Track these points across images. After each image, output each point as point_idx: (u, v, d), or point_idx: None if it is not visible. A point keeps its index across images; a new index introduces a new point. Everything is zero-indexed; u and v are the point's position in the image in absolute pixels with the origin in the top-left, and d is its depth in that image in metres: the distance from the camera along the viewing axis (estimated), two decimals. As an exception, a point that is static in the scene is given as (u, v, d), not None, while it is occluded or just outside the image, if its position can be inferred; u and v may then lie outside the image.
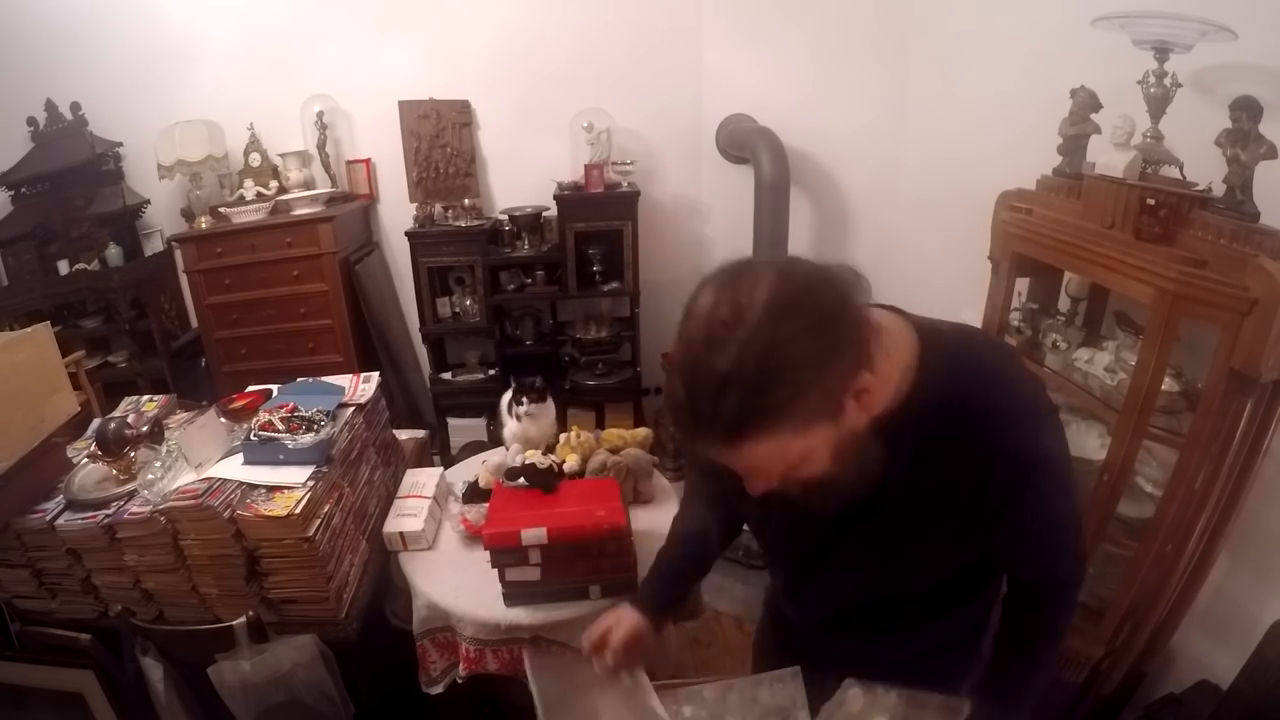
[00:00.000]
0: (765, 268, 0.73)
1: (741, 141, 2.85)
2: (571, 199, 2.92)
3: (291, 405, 1.62)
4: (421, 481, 1.80)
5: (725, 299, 0.71)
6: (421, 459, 2.11)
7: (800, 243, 2.90)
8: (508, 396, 1.86)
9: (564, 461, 1.67)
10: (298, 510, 1.39)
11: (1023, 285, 1.77)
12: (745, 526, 1.20)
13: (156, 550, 1.44)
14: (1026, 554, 0.92)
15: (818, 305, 0.70)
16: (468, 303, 3.15)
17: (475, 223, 3.02)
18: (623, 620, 1.11)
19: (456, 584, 1.55)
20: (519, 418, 1.80)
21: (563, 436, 1.83)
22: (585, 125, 2.94)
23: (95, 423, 1.66)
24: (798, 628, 1.16)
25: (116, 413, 1.76)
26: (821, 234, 3.02)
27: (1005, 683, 1.01)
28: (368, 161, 3.18)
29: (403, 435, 2.11)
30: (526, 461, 1.62)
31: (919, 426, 0.81)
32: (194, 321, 3.13)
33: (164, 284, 3.14)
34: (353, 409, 1.72)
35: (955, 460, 0.82)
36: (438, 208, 3.08)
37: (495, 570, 1.48)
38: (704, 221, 3.20)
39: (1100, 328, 1.68)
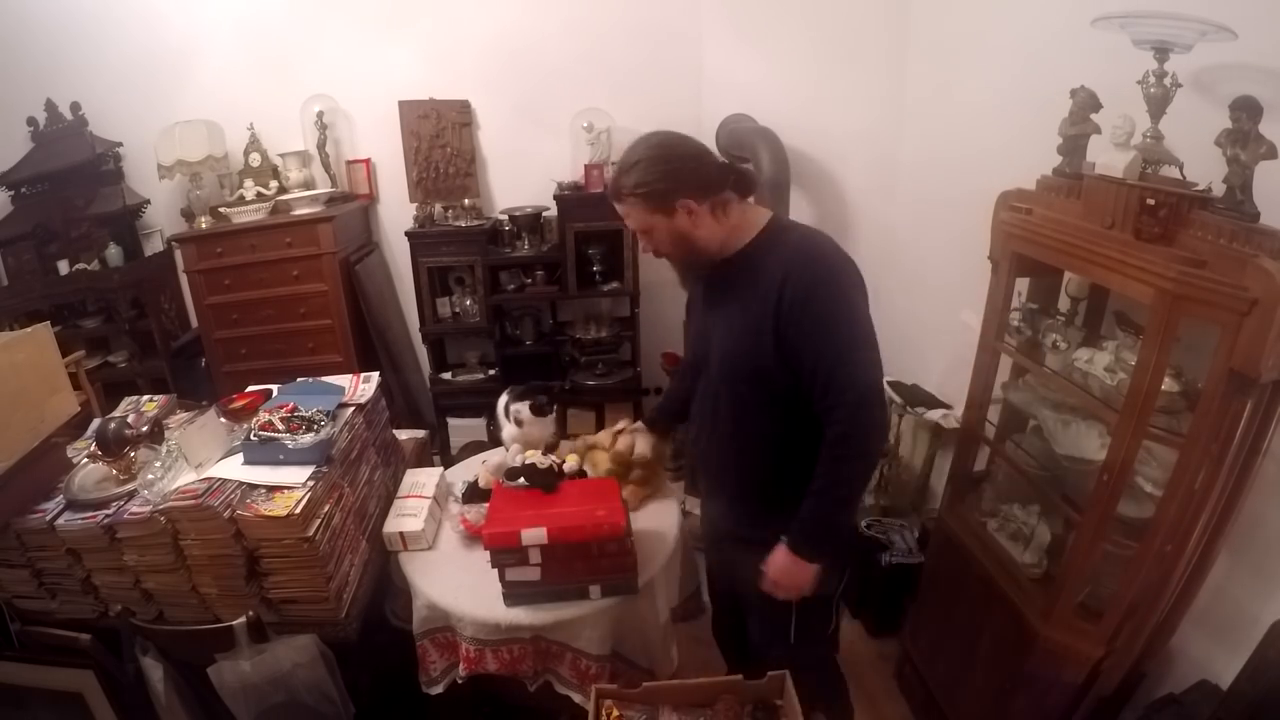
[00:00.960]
0: (666, 132, 1.34)
1: (741, 141, 2.85)
2: (571, 199, 2.92)
3: (291, 405, 1.63)
4: (421, 481, 1.81)
5: (636, 141, 1.34)
6: (421, 459, 2.11)
7: (800, 243, 2.90)
8: (504, 400, 1.85)
9: (564, 461, 1.67)
10: (298, 510, 1.39)
11: (1023, 285, 1.77)
12: None
13: (156, 550, 1.44)
14: (818, 384, 1.27)
15: (675, 152, 1.30)
16: (468, 303, 3.15)
17: (475, 223, 3.02)
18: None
19: (456, 584, 1.55)
20: (519, 423, 1.80)
21: (565, 444, 1.83)
22: (585, 125, 2.94)
23: (95, 423, 1.66)
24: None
25: (116, 413, 1.76)
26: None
27: (794, 518, 1.35)
28: (368, 161, 3.18)
29: (403, 435, 2.11)
30: (526, 461, 1.62)
31: (749, 260, 1.34)
32: (194, 321, 3.13)
33: (164, 284, 3.14)
34: (353, 409, 1.72)
35: (766, 280, 1.29)
36: (438, 208, 3.08)
37: (495, 570, 1.48)
38: (704, 221, 3.19)
39: (1100, 328, 1.68)
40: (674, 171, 1.28)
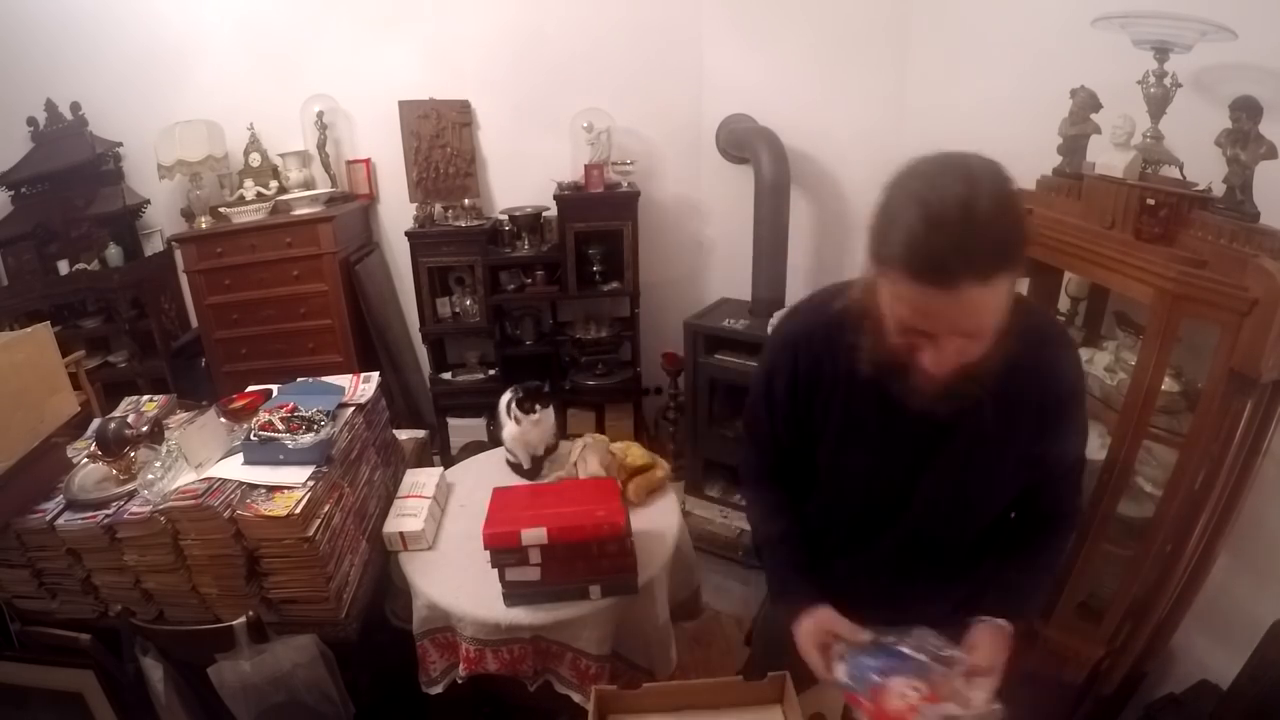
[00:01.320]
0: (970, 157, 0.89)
1: (741, 141, 2.85)
2: (571, 199, 2.92)
3: (291, 405, 1.62)
4: (421, 481, 1.81)
5: (955, 165, 0.86)
6: (421, 459, 2.11)
7: (801, 243, 2.90)
8: (506, 398, 1.85)
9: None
10: (298, 510, 1.39)
11: (1023, 285, 1.77)
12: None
13: (156, 550, 1.44)
14: (1057, 477, 1.06)
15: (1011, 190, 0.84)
16: (468, 303, 3.15)
17: (475, 223, 3.02)
18: (809, 627, 1.09)
19: (456, 584, 1.55)
20: (518, 421, 1.80)
21: (578, 443, 1.82)
22: (585, 125, 2.94)
23: (95, 423, 1.66)
24: (840, 577, 1.16)
25: (116, 413, 1.76)
26: (822, 234, 3.02)
27: (1012, 593, 1.07)
28: (368, 161, 3.18)
29: (403, 435, 2.11)
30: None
31: (1001, 357, 0.88)
32: (194, 321, 3.13)
33: (164, 284, 3.14)
34: (353, 409, 1.72)
35: (1027, 384, 0.94)
36: (438, 208, 3.08)
37: (495, 570, 1.48)
38: (704, 221, 3.20)
39: (1100, 328, 1.68)
40: (1023, 218, 0.82)
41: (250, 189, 2.94)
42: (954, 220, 0.77)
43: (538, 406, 1.79)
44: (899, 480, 1.05)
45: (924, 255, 0.79)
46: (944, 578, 1.13)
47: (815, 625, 1.07)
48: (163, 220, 3.16)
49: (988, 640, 1.01)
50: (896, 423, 0.98)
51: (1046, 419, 0.97)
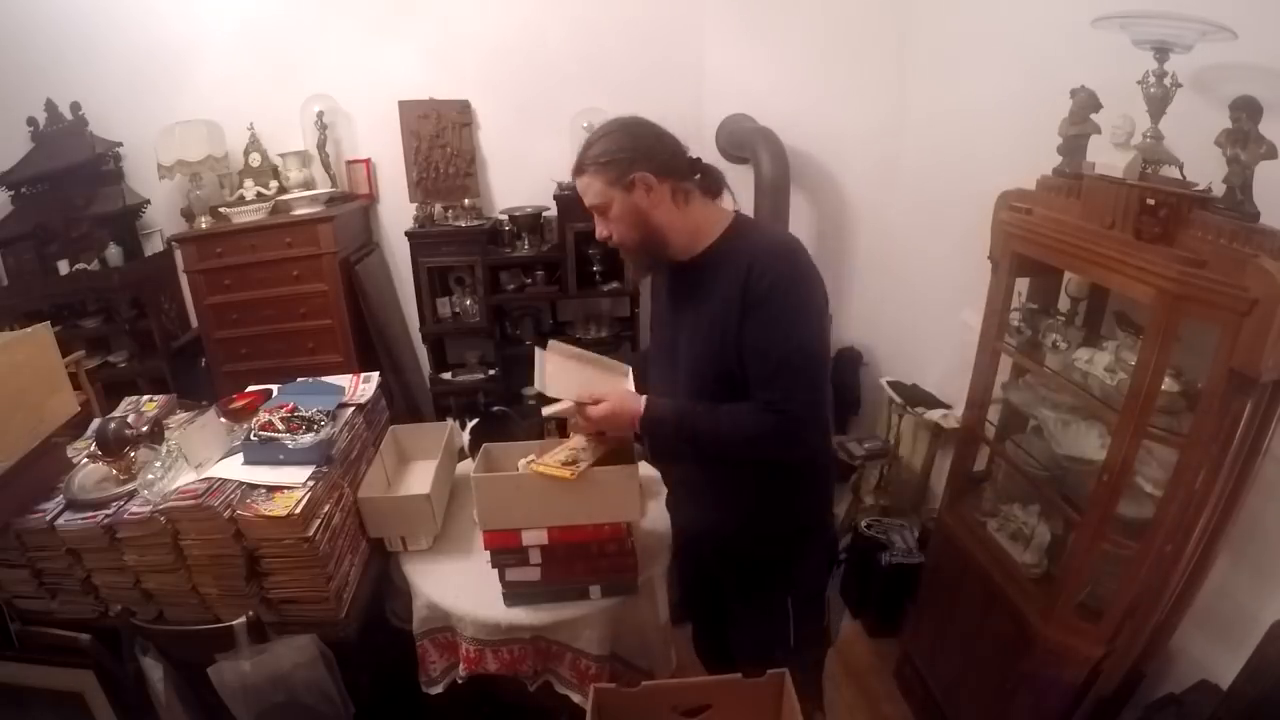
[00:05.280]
0: (636, 116, 1.33)
1: (741, 141, 2.85)
2: (572, 199, 2.89)
3: (291, 405, 1.63)
4: (421, 481, 1.81)
5: (608, 120, 1.33)
6: (421, 459, 2.10)
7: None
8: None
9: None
10: (298, 510, 1.39)
11: (1023, 285, 1.77)
12: None
13: (156, 550, 1.44)
14: (760, 369, 1.24)
15: (639, 129, 1.30)
16: (468, 303, 3.15)
17: (475, 223, 3.02)
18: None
19: (456, 584, 1.56)
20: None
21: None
22: (585, 125, 2.93)
23: (95, 423, 1.66)
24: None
25: (116, 413, 1.76)
26: (821, 234, 3.02)
27: (689, 406, 1.32)
28: (368, 161, 3.17)
29: (403, 435, 2.10)
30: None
31: (709, 261, 1.31)
32: (194, 321, 3.12)
33: (164, 284, 3.14)
34: (353, 409, 1.72)
35: (730, 276, 1.25)
36: (438, 208, 3.08)
37: (495, 570, 1.48)
38: (704, 221, 3.19)
39: (1100, 328, 1.68)
40: (634, 145, 1.26)
41: (250, 189, 2.93)
42: (586, 140, 1.31)
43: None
44: (672, 343, 1.41)
45: None
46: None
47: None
48: (163, 220, 3.15)
49: (624, 398, 1.35)
50: (665, 301, 1.45)
51: (746, 301, 1.22)
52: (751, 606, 1.48)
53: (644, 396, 1.35)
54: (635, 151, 1.26)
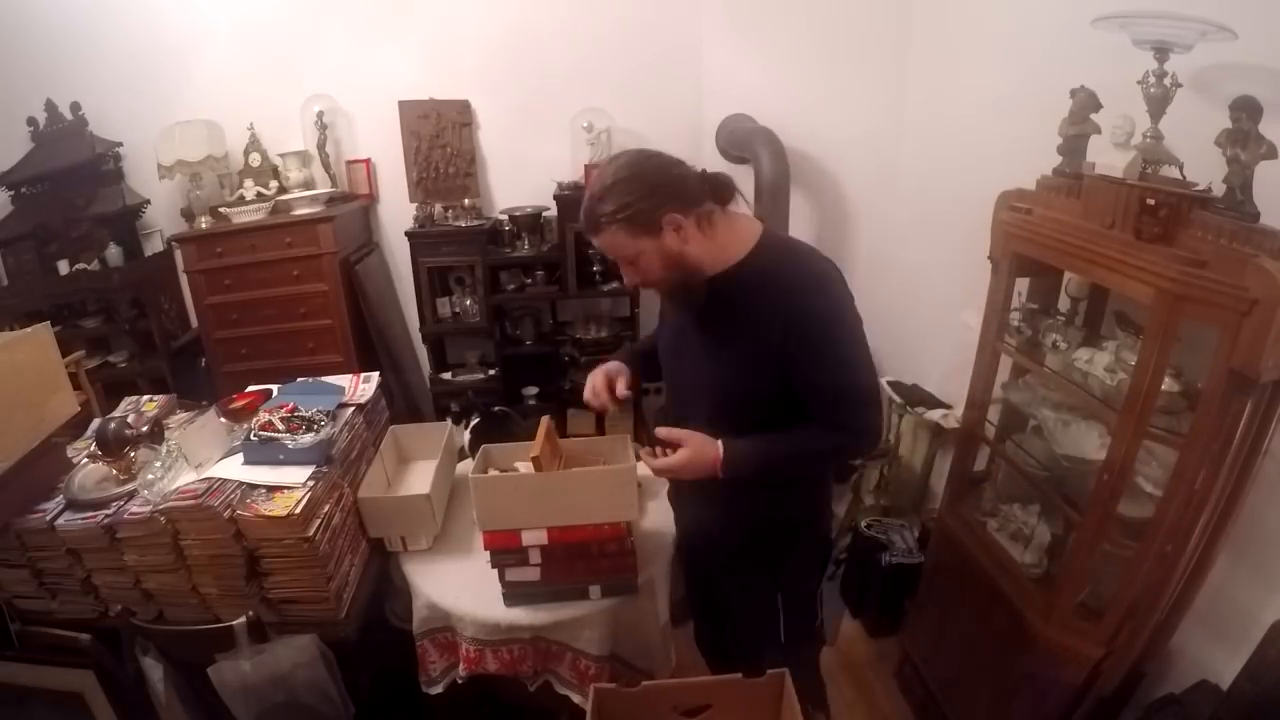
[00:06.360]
0: (631, 151, 1.27)
1: (741, 141, 2.85)
2: (572, 199, 2.92)
3: (291, 405, 1.63)
4: (421, 481, 1.81)
5: (603, 166, 1.26)
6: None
7: (800, 243, 2.90)
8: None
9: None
10: (298, 510, 1.39)
11: (1023, 285, 1.77)
12: None
13: (156, 550, 1.44)
14: (823, 399, 1.25)
15: (649, 166, 1.22)
16: (468, 303, 3.15)
17: (475, 223, 3.02)
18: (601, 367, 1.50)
19: (457, 584, 1.56)
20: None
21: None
22: (585, 125, 2.94)
23: (95, 423, 1.66)
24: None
25: (116, 413, 1.76)
26: (821, 234, 3.02)
27: (765, 441, 1.28)
28: (368, 161, 3.18)
29: (403, 435, 2.10)
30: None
31: (741, 281, 1.26)
32: (194, 321, 3.13)
33: (164, 284, 3.14)
34: (353, 409, 1.72)
35: (765, 313, 1.22)
36: (438, 208, 3.08)
37: (495, 570, 1.48)
38: (704, 221, 3.19)
39: (1100, 328, 1.68)
40: (650, 187, 1.19)
41: (250, 189, 2.94)
42: (590, 193, 1.23)
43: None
44: (693, 356, 1.38)
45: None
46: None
47: (605, 367, 1.50)
48: (163, 220, 3.16)
49: (703, 446, 1.28)
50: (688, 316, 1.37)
51: (793, 354, 1.21)
52: (743, 602, 1.50)
53: (719, 441, 1.28)
54: (653, 194, 1.18)
